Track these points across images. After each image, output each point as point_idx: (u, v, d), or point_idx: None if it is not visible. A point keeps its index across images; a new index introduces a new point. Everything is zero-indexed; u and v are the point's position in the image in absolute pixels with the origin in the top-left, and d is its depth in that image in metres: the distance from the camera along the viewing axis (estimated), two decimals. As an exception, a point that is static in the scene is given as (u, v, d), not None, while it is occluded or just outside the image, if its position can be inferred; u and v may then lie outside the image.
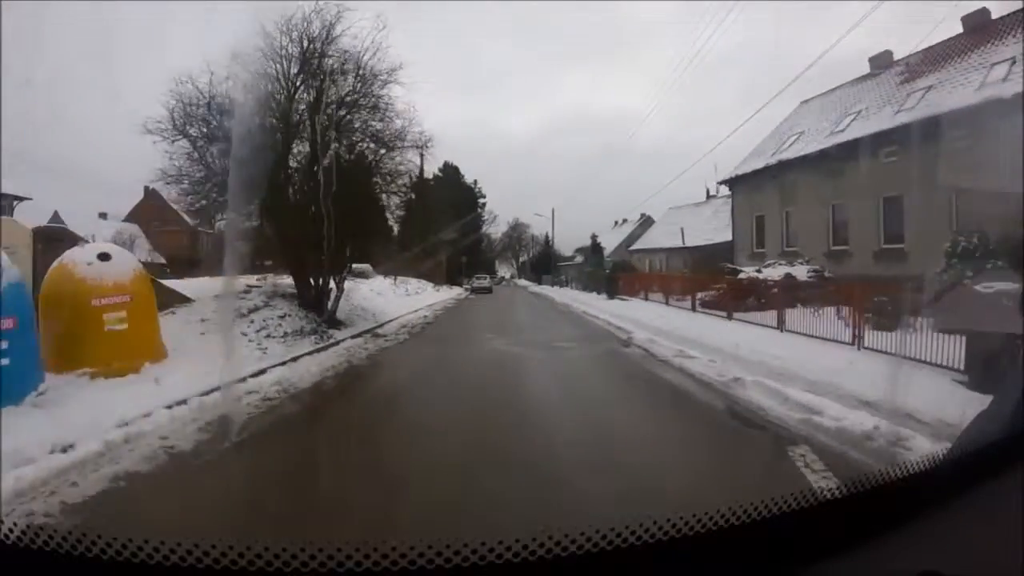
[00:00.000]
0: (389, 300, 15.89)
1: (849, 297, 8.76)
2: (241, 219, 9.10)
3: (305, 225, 9.17)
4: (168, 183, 9.72)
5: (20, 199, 17.79)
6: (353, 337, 9.33)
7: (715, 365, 6.60)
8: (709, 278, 14.12)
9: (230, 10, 11.68)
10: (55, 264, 6.31)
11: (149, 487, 3.37)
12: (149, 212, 31.38)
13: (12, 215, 16.14)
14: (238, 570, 0.73)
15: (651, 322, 11.37)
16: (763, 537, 0.87)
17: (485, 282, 33.16)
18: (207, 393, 5.24)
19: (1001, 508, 0.93)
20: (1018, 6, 12.61)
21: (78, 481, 3.42)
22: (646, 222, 37.93)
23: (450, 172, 39.66)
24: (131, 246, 29.99)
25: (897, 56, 16.57)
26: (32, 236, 7.66)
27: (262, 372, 6.23)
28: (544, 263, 46.20)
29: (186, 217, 26.30)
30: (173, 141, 8.90)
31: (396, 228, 22.91)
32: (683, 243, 24.51)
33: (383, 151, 10.72)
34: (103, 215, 32.48)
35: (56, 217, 30.32)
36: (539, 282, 41.94)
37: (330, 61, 9.59)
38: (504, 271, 53.77)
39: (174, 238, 31.34)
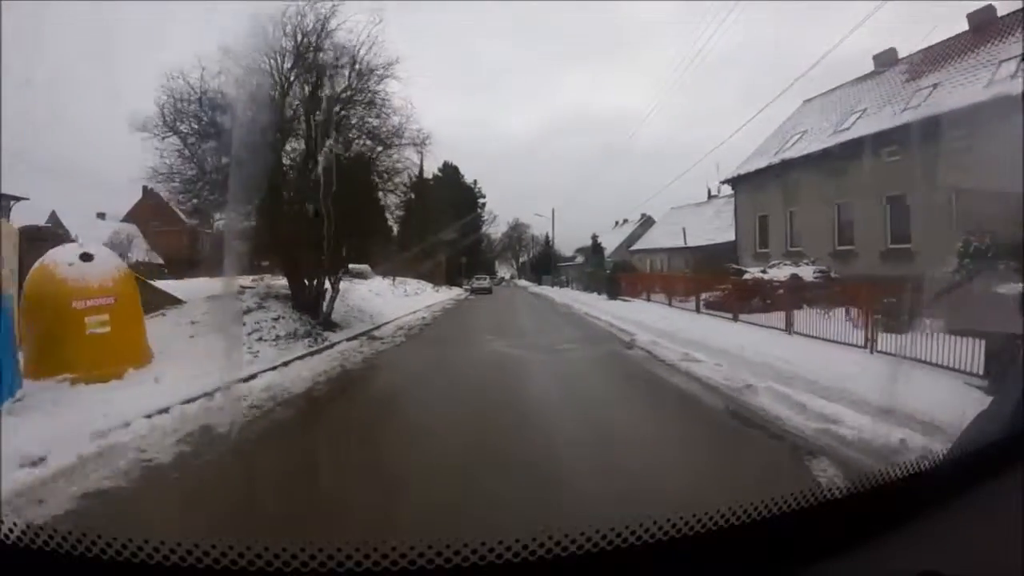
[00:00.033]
0: (387, 301, 15.62)
1: (858, 298, 8.53)
2: (239, 219, 8.88)
3: (299, 224, 8.91)
4: (159, 181, 9.48)
5: (17, 199, 17.56)
6: (348, 340, 9.06)
7: (723, 369, 6.35)
8: (713, 279, 13.87)
9: (225, 6, 11.41)
10: (36, 265, 6.06)
11: (117, 507, 3.12)
12: (147, 212, 31.20)
13: (9, 215, 15.94)
14: (238, 570, 0.73)
15: (654, 324, 11.11)
16: (763, 537, 0.86)
17: (485, 283, 32.92)
18: (191, 400, 5.00)
19: (1001, 508, 0.93)
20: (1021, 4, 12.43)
21: (45, 498, 3.18)
22: (647, 222, 37.69)
23: (450, 172, 39.51)
24: (128, 246, 29.90)
25: (901, 54, 16.36)
26: (19, 236, 7.44)
27: (252, 377, 5.98)
28: (544, 263, 45.95)
29: (184, 217, 26.17)
30: (163, 138, 8.66)
31: (395, 228, 22.71)
32: (685, 243, 24.27)
33: (380, 149, 10.46)
34: (101, 215, 32.31)
35: (53, 217, 30.17)
36: (539, 283, 41.68)
37: (325, 56, 9.34)
38: (504, 271, 53.53)
39: (172, 238, 31.14)
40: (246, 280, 9.76)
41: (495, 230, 47.39)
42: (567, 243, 44.10)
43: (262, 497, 3.19)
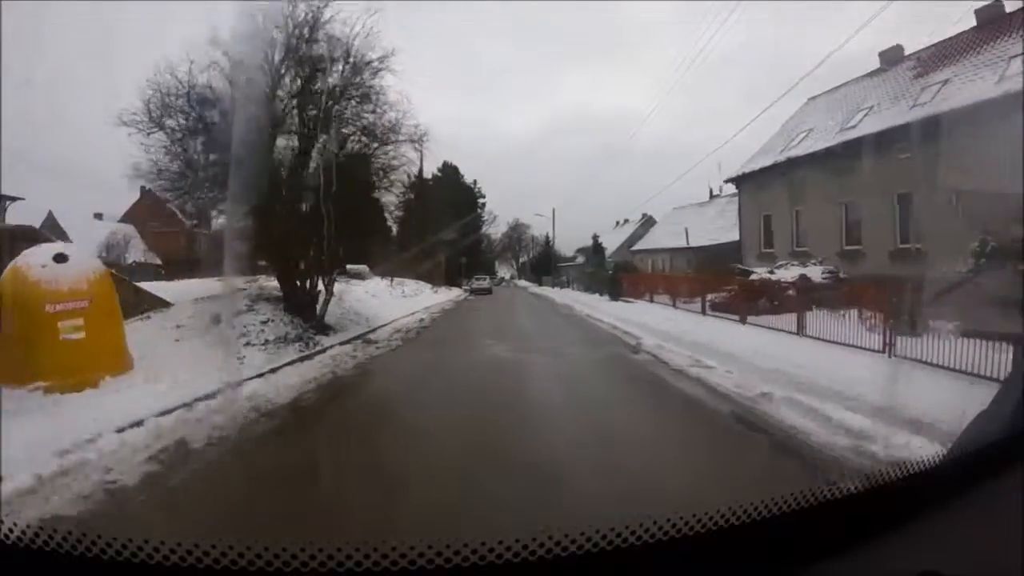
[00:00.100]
0: (384, 303, 15.27)
1: (871, 300, 8.20)
2: (233, 218, 8.55)
3: (291, 224, 8.56)
4: (143, 178, 9.12)
5: (12, 199, 17.29)
6: (342, 344, 8.70)
7: (735, 375, 6.01)
8: (719, 279, 13.52)
9: (223, 5, 11.06)
10: (9, 266, 5.72)
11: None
12: (145, 212, 30.92)
13: (5, 216, 15.64)
14: (238, 570, 0.73)
15: (659, 326, 10.77)
16: (763, 537, 0.87)
17: (485, 283, 32.61)
18: (167, 412, 4.65)
19: (1001, 508, 0.94)
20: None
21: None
22: (648, 222, 37.42)
23: (449, 172, 39.29)
24: (125, 247, 29.63)
25: (906, 52, 16.07)
26: (6, 236, 7.14)
27: (236, 385, 5.61)
28: (544, 264, 45.65)
29: (182, 217, 25.88)
30: (149, 134, 8.31)
31: (395, 228, 22.41)
32: (687, 243, 23.97)
33: (376, 145, 10.09)
34: (98, 215, 32.05)
35: (50, 217, 29.96)
36: (539, 283, 41.38)
37: (318, 48, 8.99)
38: (504, 272, 53.25)
39: (170, 239, 30.92)
40: (239, 281, 9.42)
41: (495, 230, 47.22)
42: (567, 243, 43.91)
43: (230, 523, 2.85)
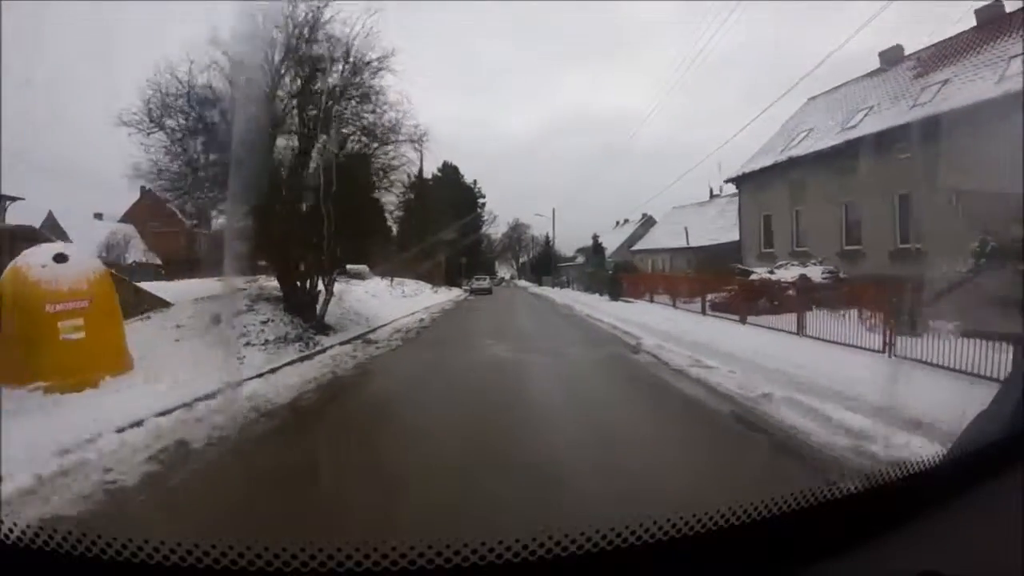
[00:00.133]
0: (384, 303, 15.26)
1: (870, 299, 8.20)
2: (234, 218, 8.53)
3: (290, 224, 8.55)
4: (143, 178, 9.11)
5: (12, 199, 17.32)
6: (342, 344, 8.69)
7: (736, 376, 6.00)
8: (719, 279, 13.52)
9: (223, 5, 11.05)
10: (9, 267, 5.72)
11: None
12: (145, 212, 30.91)
13: (5, 216, 15.64)
14: (238, 570, 0.73)
15: (659, 326, 10.76)
16: (763, 537, 0.86)
17: (485, 283, 32.59)
18: (167, 412, 4.65)
19: (1001, 508, 0.93)
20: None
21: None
22: (648, 222, 37.42)
23: (449, 172, 39.30)
24: (125, 247, 29.62)
25: (906, 52, 16.06)
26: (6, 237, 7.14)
27: (236, 385, 5.61)
28: (544, 264, 45.64)
29: (182, 217, 25.87)
30: (148, 133, 8.30)
31: (395, 228, 22.39)
32: (687, 243, 23.97)
33: (376, 145, 10.08)
34: (98, 215, 32.05)
35: (51, 217, 29.99)
36: (539, 283, 41.37)
37: (318, 48, 8.97)
38: (504, 272, 53.25)
39: (170, 239, 30.92)
40: (239, 281, 9.41)
41: (495, 230, 47.23)
42: (567, 243, 43.92)
43: (230, 524, 2.85)
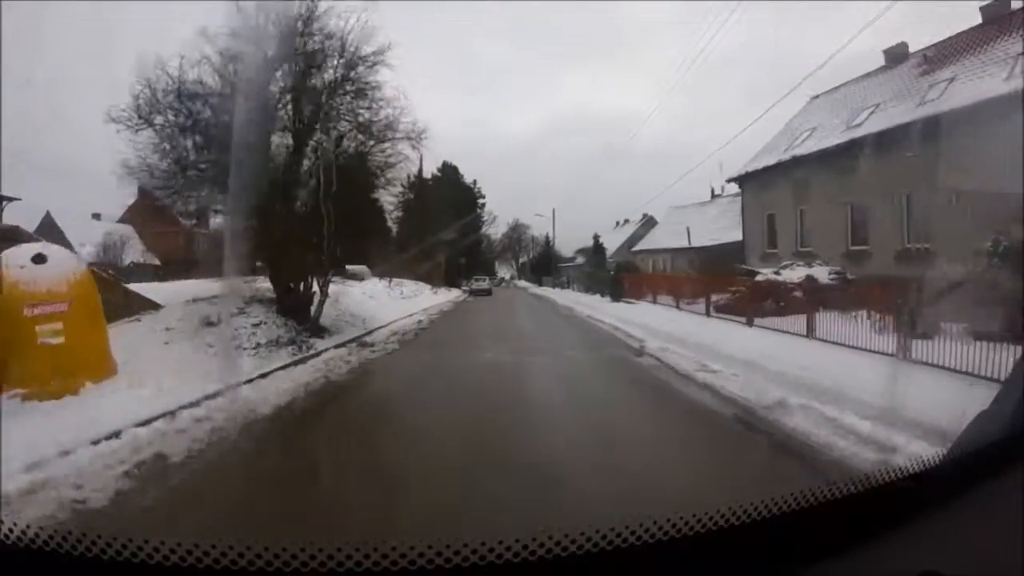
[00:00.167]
0: (382, 304, 15.00)
1: (880, 301, 7.97)
2: (234, 219, 8.27)
3: (284, 223, 8.29)
4: (142, 179, 8.85)
5: (9, 199, 17.13)
6: (337, 347, 8.42)
7: (747, 382, 5.74)
8: (723, 280, 13.27)
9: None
10: (-14, 268, 5.47)
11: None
12: (143, 212, 30.60)
13: (1, 217, 15.43)
14: (238, 570, 0.73)
15: (662, 328, 10.51)
16: (763, 537, 0.86)
17: (484, 284, 32.34)
18: (148, 422, 4.39)
19: (1001, 508, 0.93)
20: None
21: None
22: (648, 222, 37.20)
23: (449, 172, 39.11)
24: (122, 247, 29.37)
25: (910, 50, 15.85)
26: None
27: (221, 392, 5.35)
28: (544, 264, 45.41)
29: (181, 218, 25.61)
30: (137, 130, 8.04)
31: (394, 229, 22.15)
32: (689, 243, 23.73)
33: (372, 143, 9.81)
34: (96, 215, 31.77)
35: (48, 217, 29.75)
36: (539, 283, 41.14)
37: (312, 42, 8.70)
38: (504, 272, 53.01)
39: (168, 239, 30.62)
40: (235, 282, 9.13)
41: (495, 231, 46.97)
42: (567, 244, 43.68)
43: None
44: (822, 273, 11.98)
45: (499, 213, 45.09)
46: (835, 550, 0.86)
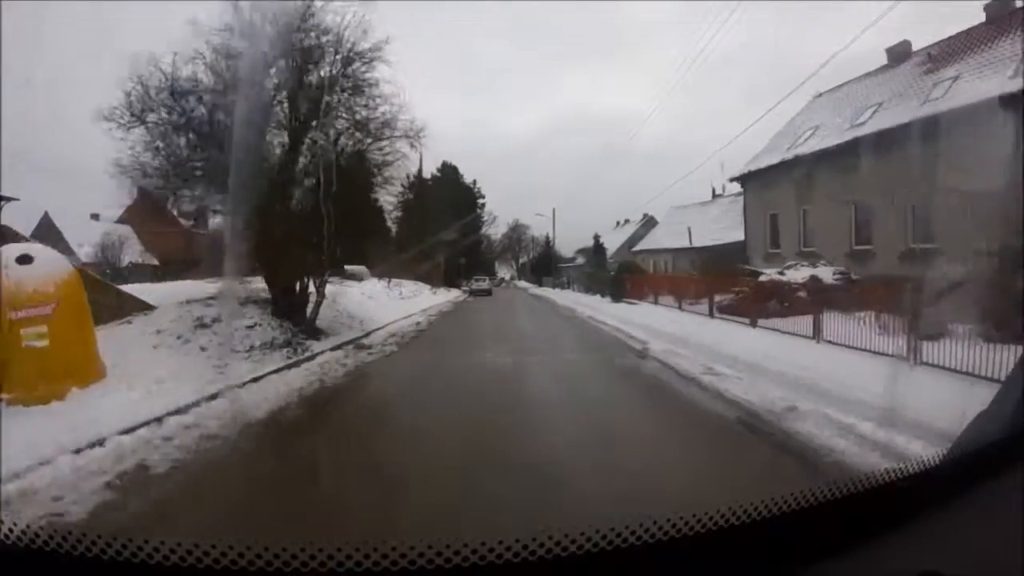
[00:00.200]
0: (380, 304, 14.82)
1: (888, 301, 7.80)
2: (225, 217, 8.09)
3: (279, 222, 8.10)
4: (137, 178, 8.66)
5: (7, 199, 17.00)
6: (333, 349, 8.24)
7: (754, 386, 5.57)
8: (726, 280, 13.09)
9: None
10: (-31, 269, 5.29)
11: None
12: (142, 213, 30.44)
13: (0, 217, 15.31)
14: (238, 570, 0.73)
15: (665, 329, 10.34)
16: (763, 537, 0.86)
17: (484, 284, 32.18)
18: (133, 429, 4.22)
19: (1001, 508, 0.93)
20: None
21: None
22: (649, 222, 37.01)
23: (449, 172, 38.99)
24: (121, 247, 29.21)
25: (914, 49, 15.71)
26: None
27: (212, 397, 5.17)
28: (545, 264, 45.23)
29: (180, 218, 25.44)
30: (129, 128, 7.86)
31: (394, 229, 21.98)
32: (690, 243, 23.56)
33: (370, 141, 9.62)
34: (95, 216, 31.59)
35: (46, 218, 29.58)
36: (539, 284, 40.96)
37: (308, 38, 8.52)
38: (504, 272, 52.86)
39: (167, 239, 30.46)
40: (232, 283, 8.95)
41: (495, 231, 46.80)
42: (567, 244, 43.51)
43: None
44: (826, 273, 11.81)
45: (499, 213, 44.97)
46: (835, 550, 0.85)
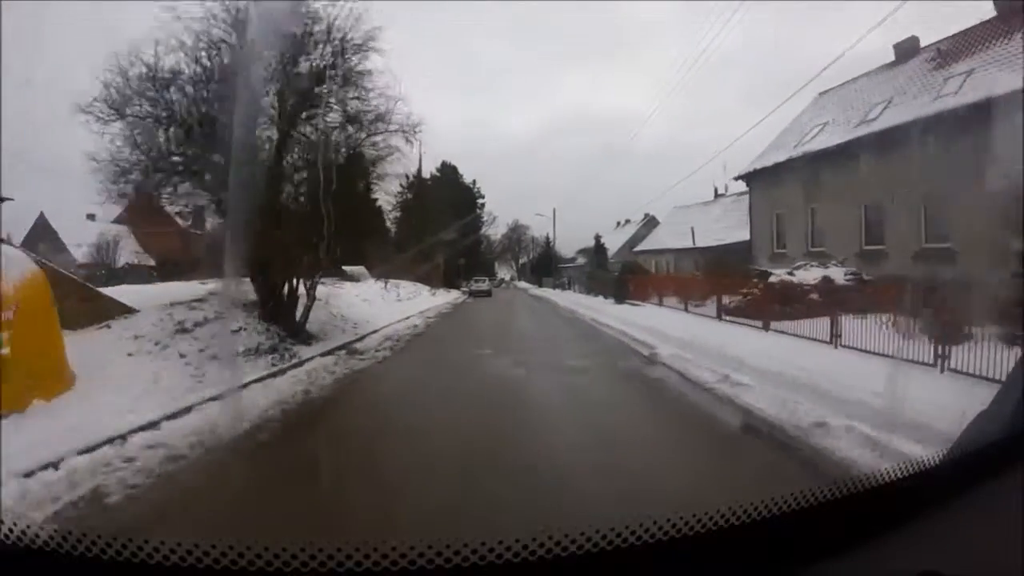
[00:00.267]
0: (376, 306, 14.39)
1: (904, 303, 7.42)
2: (220, 218, 7.69)
3: (266, 220, 7.67)
4: (111, 175, 8.23)
5: (2, 199, 16.64)
6: (323, 355, 7.81)
7: (775, 396, 5.15)
8: (732, 281, 12.67)
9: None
10: (-72, 271, 4.88)
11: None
12: (139, 213, 30.03)
13: (-1, 217, 14.96)
14: (238, 570, 0.73)
15: (672, 332, 9.91)
16: (763, 537, 0.87)
17: (484, 285, 31.80)
18: (93, 449, 3.81)
19: (1001, 508, 0.94)
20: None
21: None
22: (650, 222, 36.66)
23: (448, 172, 38.66)
24: (115, 248, 28.81)
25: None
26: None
27: (186, 410, 4.75)
28: (545, 265, 44.86)
29: (178, 219, 25.04)
30: (107, 122, 7.44)
31: (393, 229, 21.58)
32: (693, 243, 23.18)
33: (363, 135, 9.19)
34: (91, 216, 31.18)
35: (42, 218, 29.15)
36: (539, 284, 40.56)
37: (299, 27, 8.10)
38: (504, 273, 52.51)
39: (163, 240, 30.07)
40: (228, 284, 8.51)
41: (495, 231, 46.45)
42: (568, 244, 43.18)
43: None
44: (838, 274, 11.41)
45: (499, 213, 44.66)
46: (835, 550, 0.86)
